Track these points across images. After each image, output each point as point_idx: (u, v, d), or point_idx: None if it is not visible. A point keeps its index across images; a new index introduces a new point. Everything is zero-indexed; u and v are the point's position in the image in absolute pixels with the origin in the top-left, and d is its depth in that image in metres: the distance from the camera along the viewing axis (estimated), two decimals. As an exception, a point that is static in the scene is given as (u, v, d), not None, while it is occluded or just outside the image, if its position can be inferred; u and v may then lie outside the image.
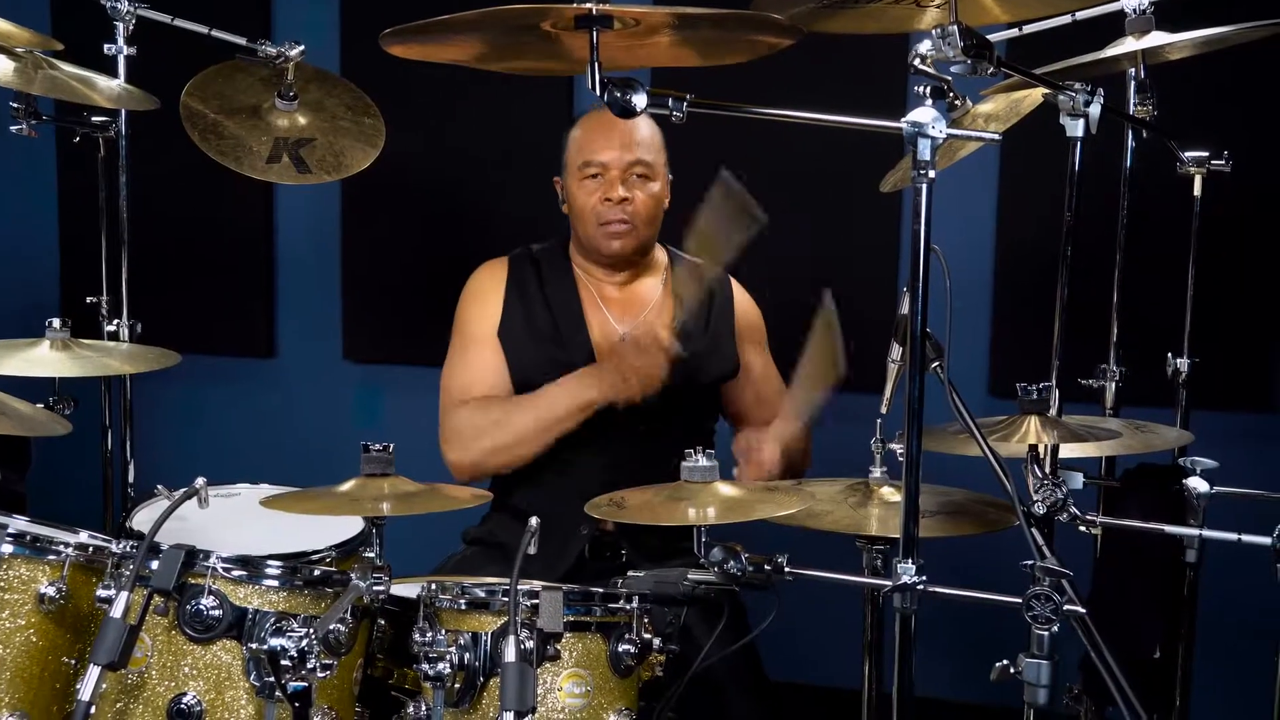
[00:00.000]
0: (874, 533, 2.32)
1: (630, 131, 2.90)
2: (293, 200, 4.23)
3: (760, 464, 2.80)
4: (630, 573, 2.25)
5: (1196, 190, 2.87)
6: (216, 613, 2.08)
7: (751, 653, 2.81)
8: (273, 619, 2.09)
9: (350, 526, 2.49)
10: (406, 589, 2.31)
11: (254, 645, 2.07)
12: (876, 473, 2.45)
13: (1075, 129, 2.28)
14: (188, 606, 2.08)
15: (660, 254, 3.09)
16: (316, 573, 2.15)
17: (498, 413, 2.86)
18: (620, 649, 2.17)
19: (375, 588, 2.09)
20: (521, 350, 2.93)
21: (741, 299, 3.12)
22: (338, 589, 2.13)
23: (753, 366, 3.08)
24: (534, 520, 2.11)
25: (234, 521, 2.56)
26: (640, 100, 1.93)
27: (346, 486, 2.15)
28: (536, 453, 2.83)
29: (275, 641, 2.06)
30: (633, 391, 2.76)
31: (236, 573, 2.10)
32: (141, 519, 2.58)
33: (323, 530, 2.47)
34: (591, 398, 2.79)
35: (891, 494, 2.42)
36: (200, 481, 2.17)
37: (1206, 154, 2.85)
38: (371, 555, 2.11)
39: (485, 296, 2.99)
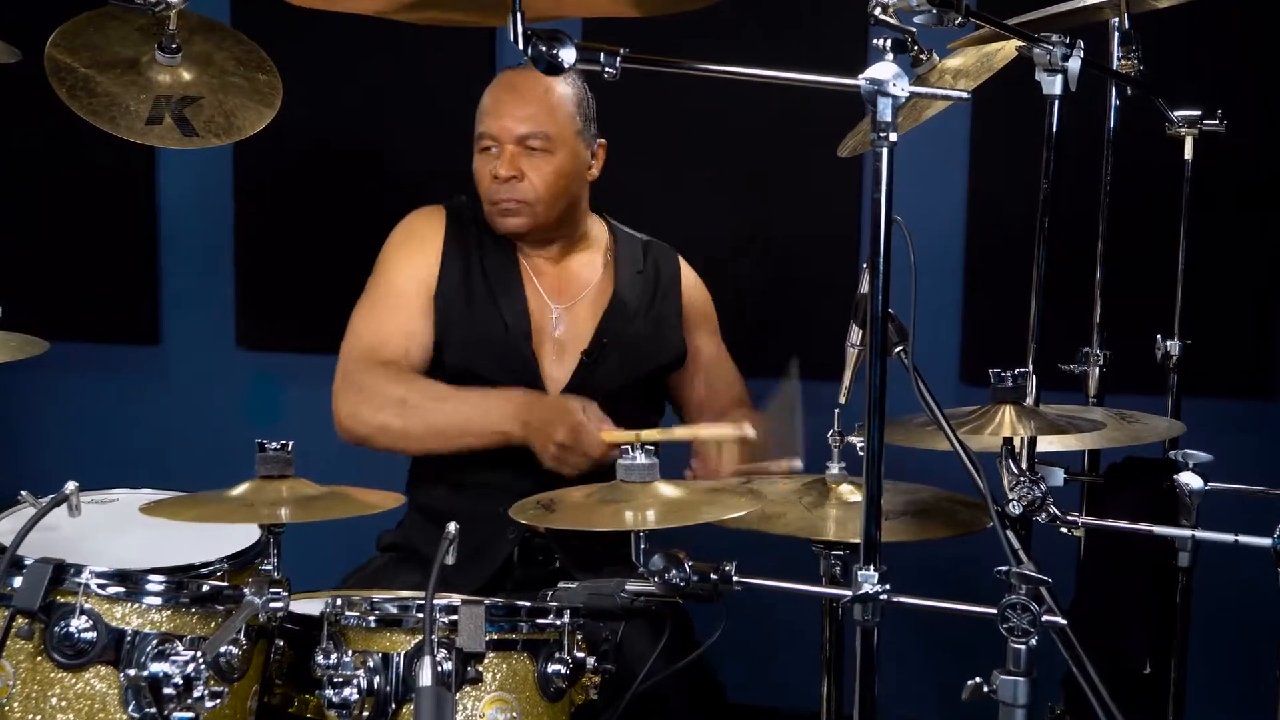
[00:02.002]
0: (832, 536, 2.34)
1: (528, 98, 2.89)
2: (177, 167, 4.19)
3: (714, 469, 2.80)
4: (561, 584, 2.25)
5: (1187, 153, 2.90)
6: (90, 635, 2.06)
7: (704, 671, 2.82)
8: (155, 641, 2.07)
9: (244, 536, 2.47)
10: (308, 605, 2.30)
11: (133, 672, 2.05)
12: (834, 469, 2.46)
13: (1052, 86, 2.30)
14: (56, 628, 2.06)
15: (597, 228, 3.08)
16: (205, 588, 2.13)
17: (412, 394, 2.85)
18: (550, 670, 2.17)
19: (272, 604, 2.08)
20: (454, 311, 2.93)
21: (689, 279, 3.12)
22: (229, 606, 2.11)
23: (702, 352, 3.09)
24: (452, 526, 2.10)
25: (110, 531, 2.54)
26: (569, 55, 1.92)
27: (240, 490, 2.14)
28: (434, 452, 2.84)
29: (157, 667, 2.04)
30: (546, 459, 2.76)
31: (113, 589, 2.08)
32: (3, 530, 2.54)
33: (213, 540, 2.44)
34: (510, 433, 2.79)
35: (851, 493, 2.43)
36: (71, 486, 2.14)
37: (1198, 113, 2.88)
38: (268, 568, 2.10)
39: (420, 245, 2.98)
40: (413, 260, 2.97)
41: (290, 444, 2.15)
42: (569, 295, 2.99)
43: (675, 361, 3.05)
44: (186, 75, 2.96)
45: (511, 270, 2.97)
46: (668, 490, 2.20)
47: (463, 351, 2.91)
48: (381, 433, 2.84)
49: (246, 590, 2.09)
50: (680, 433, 2.87)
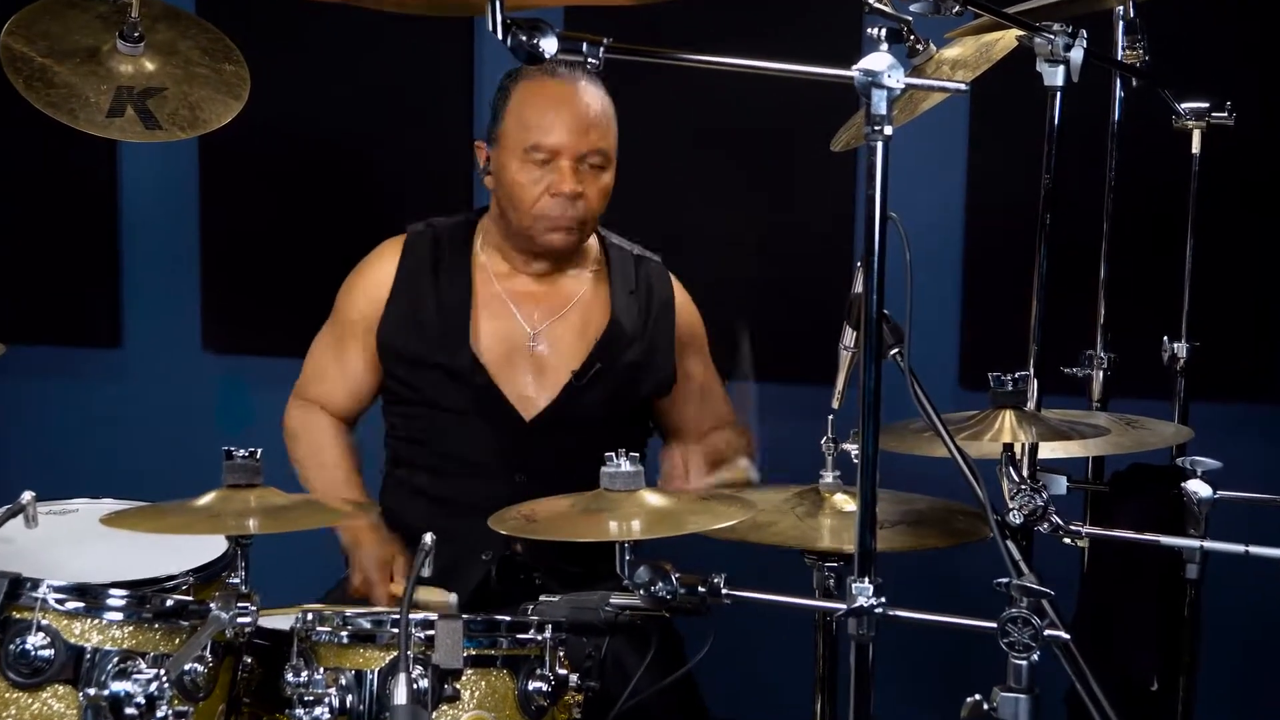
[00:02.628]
0: (825, 546, 2.34)
1: (587, 108, 2.87)
2: (140, 161, 4.18)
3: (679, 482, 2.80)
4: (543, 598, 2.25)
5: (1195, 147, 2.90)
6: (47, 653, 2.06)
7: (690, 689, 2.81)
8: (116, 659, 2.06)
9: (210, 548, 2.47)
10: (277, 620, 2.29)
11: (93, 691, 2.04)
12: (828, 477, 2.46)
13: (1054, 77, 2.30)
14: (12, 646, 2.05)
15: (590, 239, 3.07)
16: (169, 603, 2.12)
17: (298, 448, 3.05)
18: (531, 687, 2.17)
19: (240, 619, 2.07)
20: (399, 348, 2.96)
21: (683, 302, 3.09)
22: (195, 622, 2.10)
23: (693, 376, 3.09)
24: (428, 537, 2.10)
25: (69, 543, 2.53)
26: (550, 45, 1.92)
27: (206, 500, 2.13)
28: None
29: (119, 686, 2.03)
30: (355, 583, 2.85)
31: (72, 604, 2.07)
32: (-42, 542, 2.54)
33: (177, 552, 2.44)
34: (342, 539, 2.90)
35: (845, 502, 2.43)
36: (28, 496, 2.13)
37: (1206, 105, 2.89)
38: (235, 581, 2.09)
39: (368, 284, 3.02)
40: (360, 298, 3.03)
41: (259, 451, 2.15)
42: (551, 311, 2.98)
43: (664, 388, 3.04)
44: (149, 65, 2.96)
45: (464, 296, 2.96)
46: (653, 499, 2.20)
47: (413, 386, 2.96)
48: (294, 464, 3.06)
49: (213, 605, 2.08)
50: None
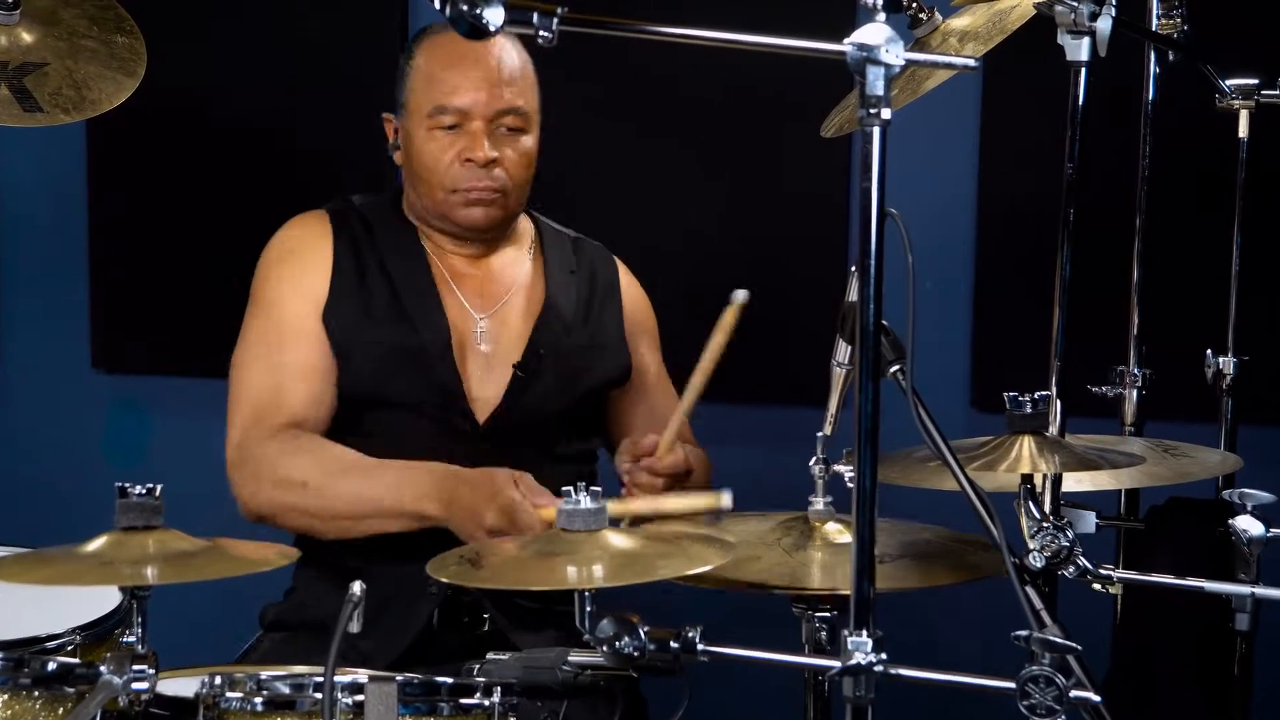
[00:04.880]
0: (816, 587, 2.34)
1: (498, 63, 2.91)
2: (17, 150, 4.17)
3: (656, 461, 2.79)
4: (490, 655, 2.25)
5: (1242, 130, 2.92)
6: (-89, 724, 2.05)
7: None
8: (-9, 731, 2.06)
9: (101, 601, 2.46)
10: (180, 685, 2.28)
11: (-35, 768, 2.04)
12: (818, 504, 2.47)
13: (1078, 51, 2.32)
14: None
15: (524, 221, 3.10)
16: (52, 666, 2.11)
17: (313, 472, 2.83)
18: (476, 760, 2.17)
19: (135, 684, 2.06)
20: (351, 332, 2.93)
21: (629, 283, 3.15)
22: (82, 688, 2.10)
23: (647, 370, 3.12)
24: (356, 586, 2.09)
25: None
26: (495, 15, 1.92)
27: (96, 545, 2.12)
28: (349, 536, 2.83)
29: (-4, 762, 2.03)
30: (472, 539, 2.70)
31: (-62, 668, 2.07)
32: None
33: (62, 607, 2.44)
34: (429, 514, 2.76)
35: (839, 533, 2.44)
36: (-112, 541, 2.13)
37: (1255, 82, 2.90)
38: (131, 640, 2.08)
39: (304, 262, 2.98)
40: (297, 281, 2.96)
41: (158, 488, 2.13)
42: (493, 300, 3.00)
43: (619, 377, 3.07)
44: (27, 37, 2.95)
45: (422, 276, 2.97)
46: (618, 541, 2.20)
47: (368, 378, 2.92)
48: (288, 515, 2.86)
49: (103, 668, 2.07)
50: (641, 506, 2.80)
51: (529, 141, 2.95)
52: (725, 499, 2.67)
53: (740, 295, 2.71)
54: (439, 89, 2.91)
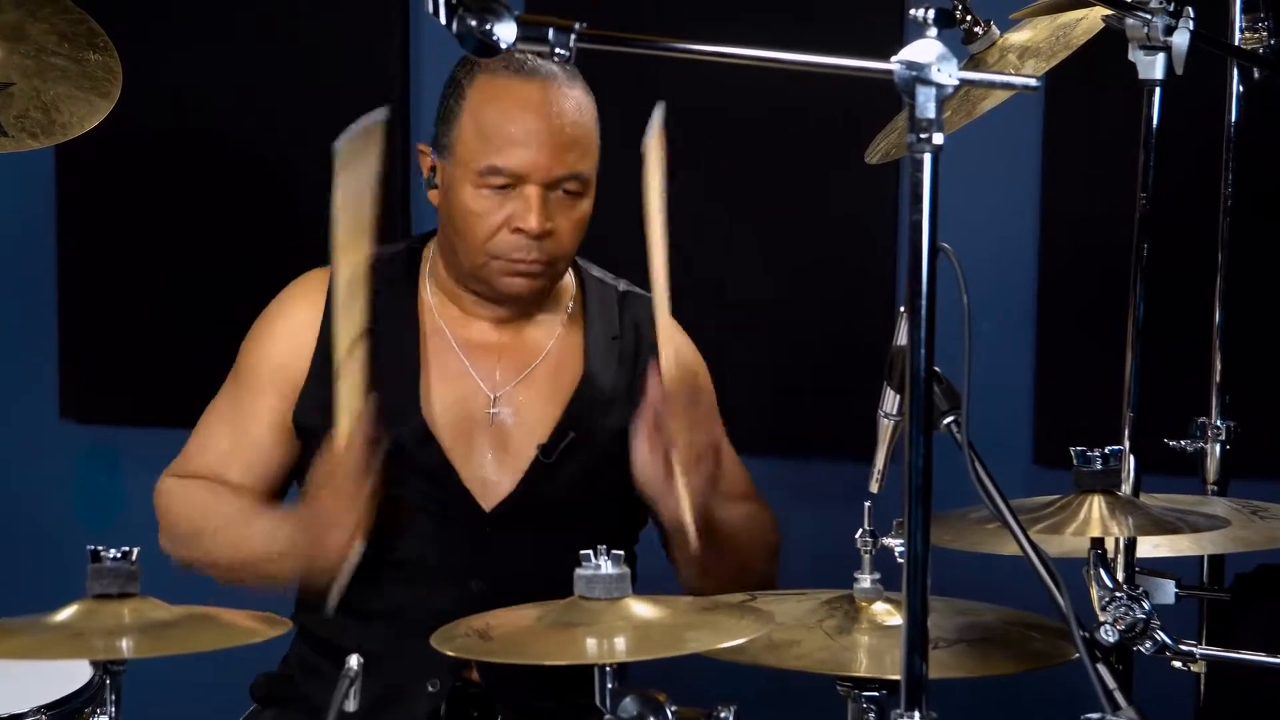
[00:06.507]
0: (863, 673, 2.33)
1: (561, 118, 2.83)
2: (-19, 179, 4.20)
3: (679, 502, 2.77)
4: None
5: (1335, 155, 2.93)
6: None
7: None
8: (-51, 822, 2.06)
9: (71, 676, 2.46)
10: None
11: None
12: (865, 581, 2.46)
13: (1152, 68, 2.32)
14: None
15: (565, 276, 3.06)
16: (18, 748, 2.12)
17: (214, 515, 2.91)
18: None
19: (109, 769, 2.07)
20: (325, 413, 2.90)
21: (681, 345, 3.04)
22: (50, 773, 2.11)
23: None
24: (354, 660, 2.09)
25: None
26: (507, 32, 1.93)
27: (65, 615, 2.12)
28: (240, 585, 2.88)
29: None
30: (322, 563, 2.75)
31: (-109, 751, 2.08)
32: None
33: (28, 683, 2.44)
34: (281, 548, 2.81)
35: (888, 614, 2.43)
36: None
37: (1351, 102, 2.91)
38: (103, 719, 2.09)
39: (282, 333, 2.98)
40: (271, 348, 2.98)
41: (135, 551, 2.14)
42: (515, 370, 2.94)
43: None
44: (-7, 56, 2.98)
45: (410, 351, 2.93)
46: (643, 610, 2.20)
47: None
48: (201, 567, 2.92)
49: (73, 752, 2.08)
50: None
51: (586, 206, 2.89)
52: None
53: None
54: (493, 145, 2.83)
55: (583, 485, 2.91)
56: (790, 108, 3.68)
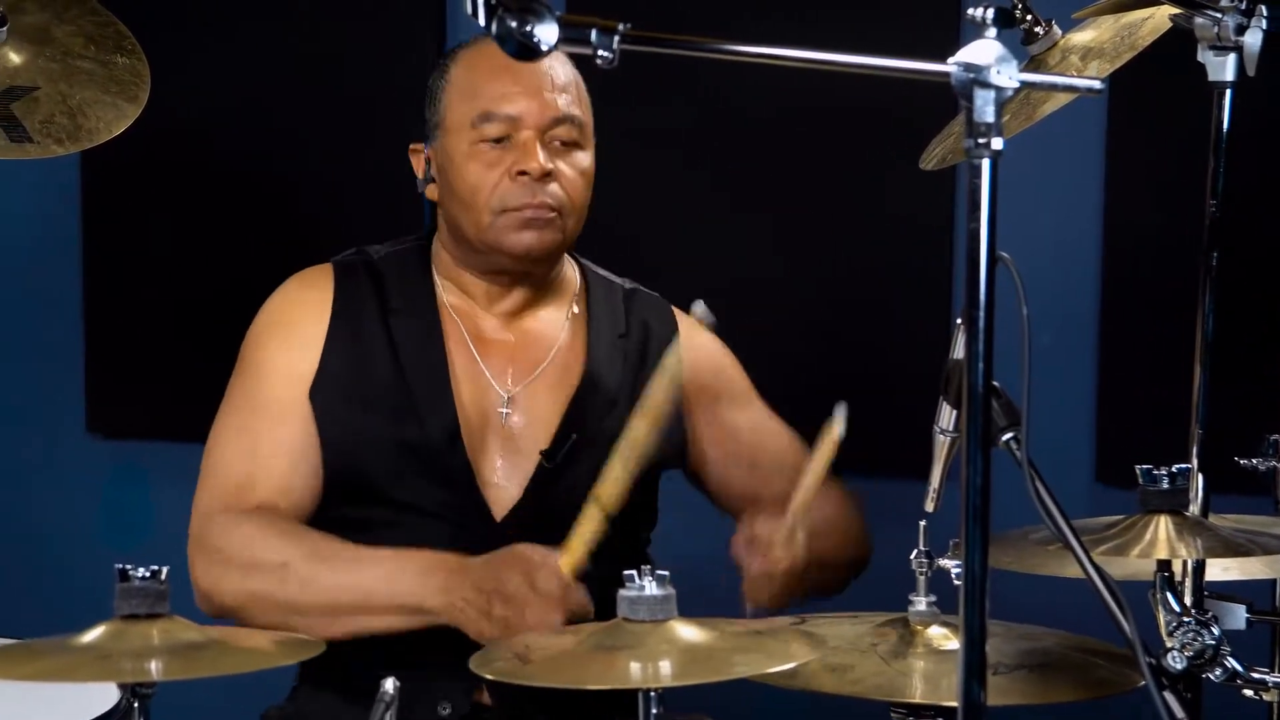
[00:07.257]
0: (918, 699, 2.33)
1: (549, 69, 2.88)
2: (4, 185, 4.20)
3: (771, 560, 2.75)
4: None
5: None
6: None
7: None
8: None
9: (99, 699, 2.47)
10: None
11: None
12: (920, 604, 2.46)
13: (1223, 70, 2.32)
14: None
15: (569, 269, 3.07)
16: (42, 774, 2.13)
17: (293, 551, 2.80)
18: None
19: (134, 797, 2.08)
20: (344, 425, 2.89)
21: (693, 343, 3.03)
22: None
23: (737, 428, 3.06)
24: (389, 684, 2.09)
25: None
26: (548, 33, 1.93)
27: (93, 636, 2.13)
28: (330, 636, 2.75)
29: None
30: (489, 633, 2.65)
31: (-86, 777, 2.09)
32: None
33: (55, 706, 2.45)
34: (426, 607, 2.72)
35: (944, 638, 2.43)
36: None
37: None
38: (131, 745, 2.10)
39: (292, 334, 2.95)
40: (287, 349, 2.94)
41: (164, 570, 2.14)
42: (525, 370, 2.95)
43: (672, 458, 3.02)
44: (15, 58, 2.99)
45: (435, 343, 2.94)
46: (688, 632, 2.20)
47: (355, 467, 2.88)
48: (255, 603, 2.78)
49: (99, 777, 2.09)
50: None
51: (585, 159, 2.93)
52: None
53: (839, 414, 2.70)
54: (483, 97, 2.89)
55: (586, 490, 2.88)
56: (841, 110, 3.67)
